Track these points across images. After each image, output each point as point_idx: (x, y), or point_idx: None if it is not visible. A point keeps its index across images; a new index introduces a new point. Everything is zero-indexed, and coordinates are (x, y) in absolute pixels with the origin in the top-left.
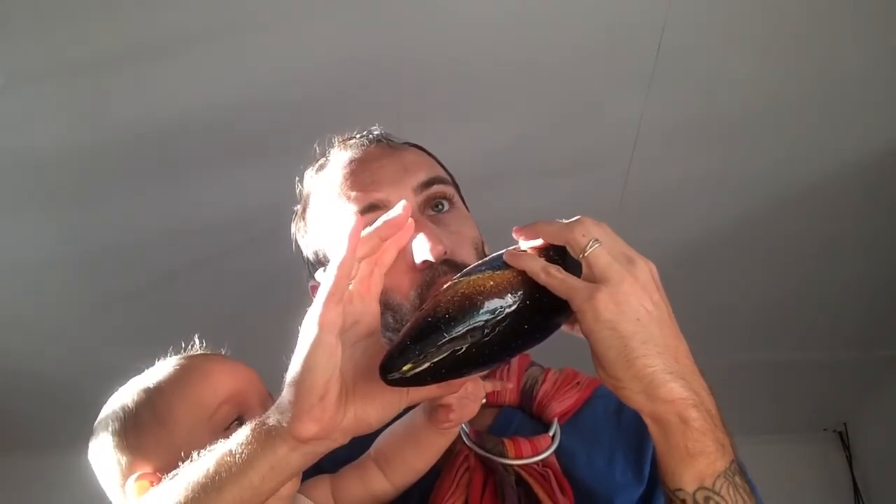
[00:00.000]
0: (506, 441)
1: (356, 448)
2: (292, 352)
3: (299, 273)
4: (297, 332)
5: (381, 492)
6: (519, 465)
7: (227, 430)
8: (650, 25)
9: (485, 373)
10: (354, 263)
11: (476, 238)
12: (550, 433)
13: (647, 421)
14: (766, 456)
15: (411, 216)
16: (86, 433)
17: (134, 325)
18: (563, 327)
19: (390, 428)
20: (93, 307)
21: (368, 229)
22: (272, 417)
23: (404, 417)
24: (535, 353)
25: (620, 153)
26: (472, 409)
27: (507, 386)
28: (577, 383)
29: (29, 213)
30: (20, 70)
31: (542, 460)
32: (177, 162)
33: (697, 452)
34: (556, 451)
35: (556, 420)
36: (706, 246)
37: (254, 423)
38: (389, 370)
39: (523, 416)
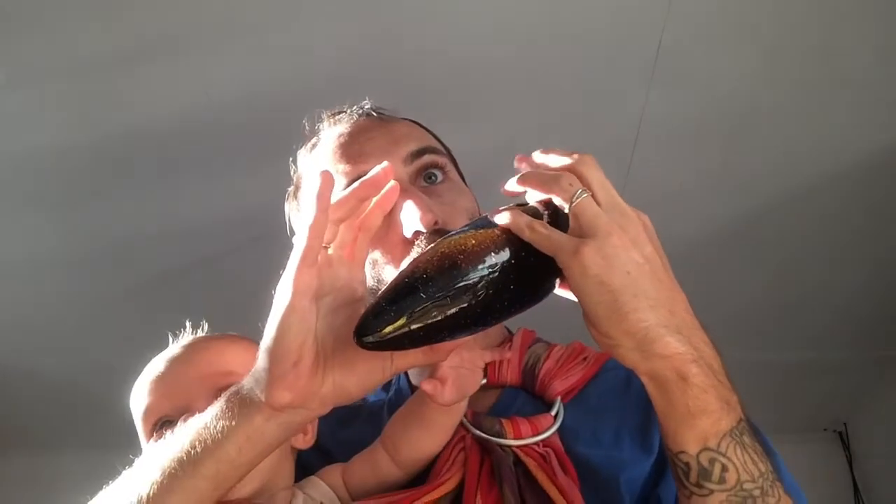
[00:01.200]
0: (504, 421)
1: (369, 435)
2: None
3: None
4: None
5: (388, 476)
6: (517, 446)
7: (157, 436)
8: (650, 24)
9: (480, 339)
10: (327, 224)
11: (472, 209)
12: (553, 412)
13: (644, 380)
14: None
15: (401, 187)
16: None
17: (134, 325)
18: (557, 290)
19: (399, 410)
20: (92, 307)
21: (347, 190)
22: (247, 386)
23: (411, 398)
24: (544, 329)
25: (620, 153)
26: (473, 381)
27: (505, 356)
28: (584, 359)
29: (29, 213)
30: (20, 70)
31: (542, 440)
32: (177, 162)
33: (699, 411)
34: (559, 431)
35: (558, 399)
36: (706, 246)
37: (228, 393)
38: (363, 333)
39: (526, 396)
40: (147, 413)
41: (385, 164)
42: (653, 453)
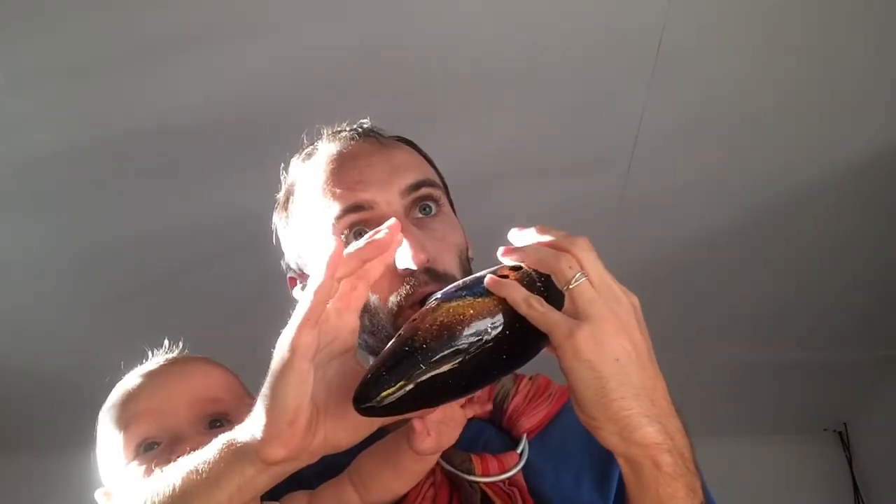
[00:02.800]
0: (473, 457)
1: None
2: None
3: None
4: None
5: None
6: (485, 483)
7: (141, 459)
8: (650, 25)
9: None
10: (333, 286)
11: (461, 245)
12: (518, 450)
13: (620, 461)
14: (766, 456)
15: (396, 219)
16: (84, 433)
17: (133, 325)
18: (544, 350)
19: (370, 448)
20: (91, 307)
21: (354, 246)
22: (241, 438)
23: (385, 439)
24: None
25: (620, 153)
26: (453, 435)
27: (486, 408)
28: (549, 395)
29: (28, 213)
30: (20, 70)
31: (508, 478)
32: (176, 162)
33: (668, 497)
34: (523, 469)
35: (524, 437)
36: (706, 246)
37: (222, 441)
38: (363, 400)
39: (493, 428)
40: (132, 432)
41: (393, 220)
42: (608, 501)
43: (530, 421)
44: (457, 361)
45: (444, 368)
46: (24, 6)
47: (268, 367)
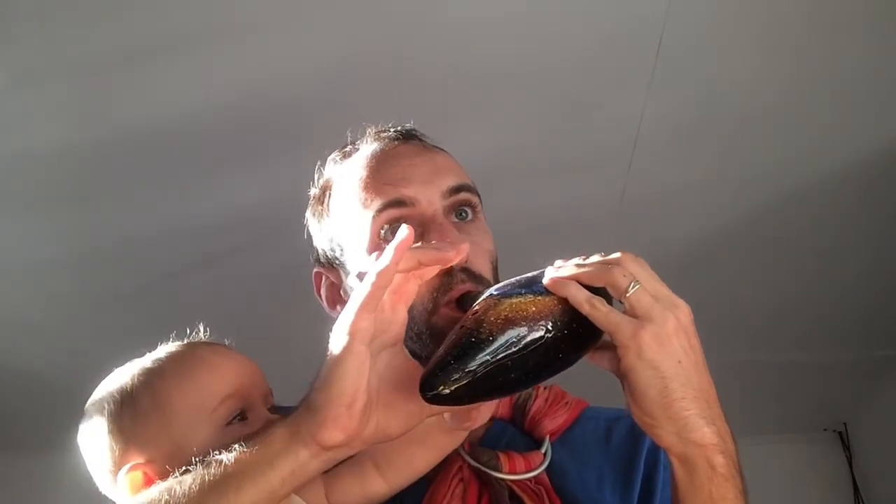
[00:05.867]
0: (500, 455)
1: None
2: (310, 358)
3: (299, 272)
4: (324, 337)
5: (375, 493)
6: (512, 480)
7: (227, 426)
8: (650, 25)
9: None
10: (393, 274)
11: (493, 252)
12: (542, 450)
13: (675, 461)
14: (766, 456)
15: (437, 220)
16: None
17: (133, 325)
18: (587, 357)
19: None
20: (92, 307)
21: (417, 247)
22: (296, 422)
23: None
24: None
25: (620, 153)
26: (486, 413)
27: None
28: (566, 403)
29: (29, 213)
30: (20, 70)
31: (534, 476)
32: (177, 162)
33: (720, 498)
34: (547, 469)
35: (547, 437)
36: (706, 246)
37: (276, 425)
38: (430, 388)
39: (514, 430)
40: (226, 406)
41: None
42: None
43: (553, 423)
44: (520, 355)
45: (508, 361)
46: (25, 6)
47: (268, 367)
